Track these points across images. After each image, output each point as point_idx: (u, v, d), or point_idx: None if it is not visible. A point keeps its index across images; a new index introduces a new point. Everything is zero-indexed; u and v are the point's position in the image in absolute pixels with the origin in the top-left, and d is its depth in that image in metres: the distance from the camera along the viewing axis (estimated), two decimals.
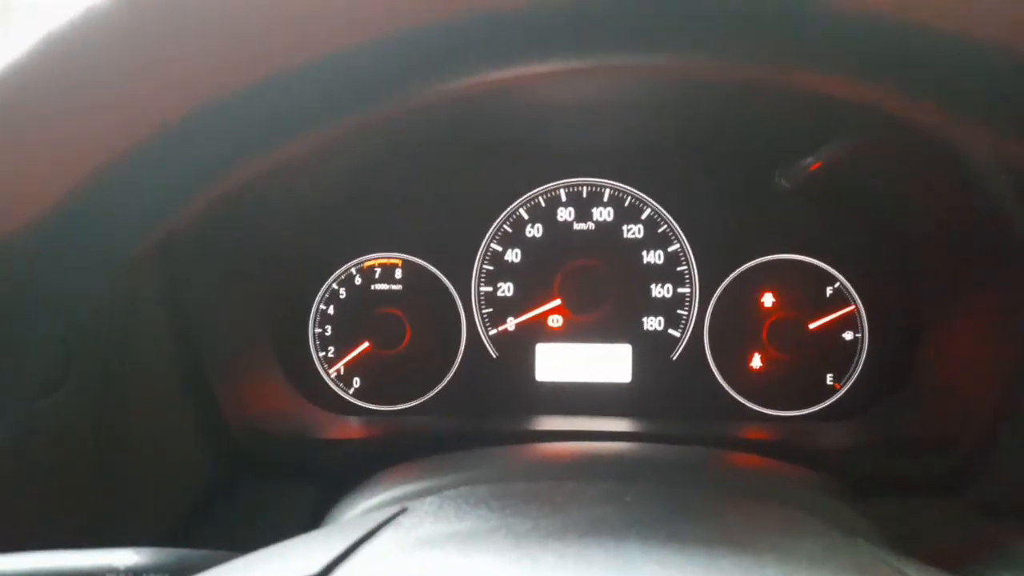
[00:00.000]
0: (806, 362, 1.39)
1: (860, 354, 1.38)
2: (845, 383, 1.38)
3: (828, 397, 1.39)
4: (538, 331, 1.43)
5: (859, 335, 1.38)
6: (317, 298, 1.45)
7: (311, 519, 1.12)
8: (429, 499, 0.66)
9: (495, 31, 0.43)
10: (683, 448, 1.04)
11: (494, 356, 1.44)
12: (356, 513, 0.82)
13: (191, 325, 1.15)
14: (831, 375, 1.39)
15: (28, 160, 0.43)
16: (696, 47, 0.43)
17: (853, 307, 1.38)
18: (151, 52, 0.41)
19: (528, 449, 1.01)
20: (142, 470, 1.07)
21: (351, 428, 1.33)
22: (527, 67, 0.44)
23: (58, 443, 0.95)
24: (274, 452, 1.22)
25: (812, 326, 1.38)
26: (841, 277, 1.39)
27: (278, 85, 0.42)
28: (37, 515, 0.93)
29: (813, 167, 1.20)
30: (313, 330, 1.45)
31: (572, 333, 1.43)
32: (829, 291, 1.39)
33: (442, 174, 1.44)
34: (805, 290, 1.39)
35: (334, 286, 1.45)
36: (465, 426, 1.34)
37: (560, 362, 1.43)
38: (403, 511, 0.62)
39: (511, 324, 1.43)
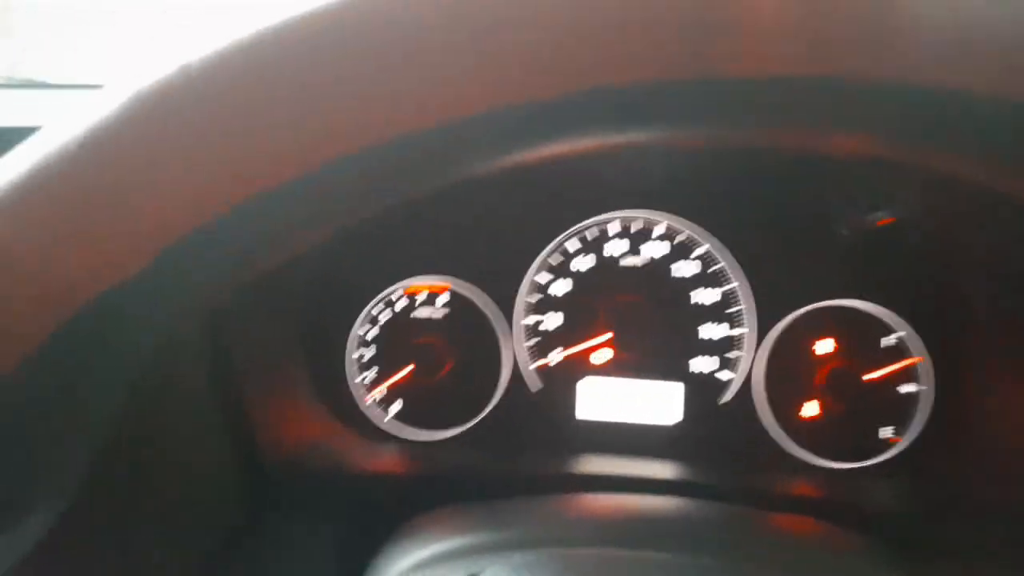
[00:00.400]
0: (862, 414, 1.32)
1: (920, 408, 1.31)
2: (902, 437, 1.31)
3: (884, 451, 1.32)
4: (582, 366, 1.39)
5: (920, 388, 1.31)
6: (358, 321, 1.42)
7: (343, 558, 1.09)
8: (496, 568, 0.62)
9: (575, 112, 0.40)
10: (733, 509, 0.99)
11: (535, 390, 1.39)
12: (409, 566, 0.78)
13: (229, 353, 1.13)
14: (888, 428, 1.32)
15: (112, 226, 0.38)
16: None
17: (916, 358, 1.31)
18: (243, 119, 0.37)
19: (576, 503, 0.97)
20: (171, 507, 1.04)
21: (386, 459, 1.30)
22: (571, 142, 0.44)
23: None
24: (306, 484, 1.18)
25: (871, 376, 1.32)
26: (905, 326, 1.32)
27: (344, 167, 0.39)
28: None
29: (880, 222, 1.14)
30: (351, 355, 1.42)
31: (617, 370, 1.38)
32: (891, 340, 1.32)
33: (495, 203, 1.39)
34: (865, 338, 1.33)
35: (375, 311, 1.42)
36: (503, 464, 1.30)
37: (603, 399, 1.38)
38: None
39: (554, 358, 1.39)
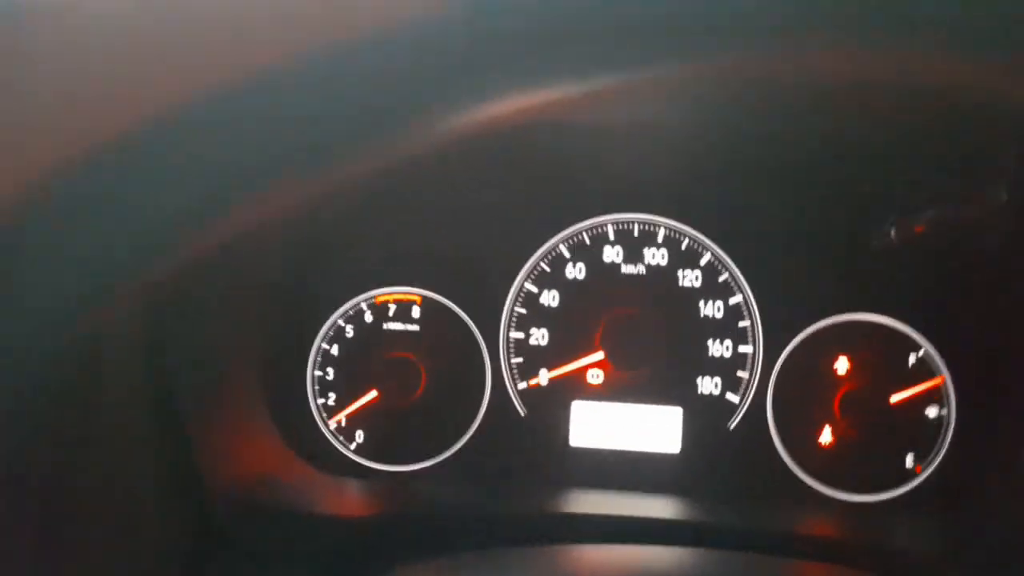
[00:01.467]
0: (883, 440, 1.20)
1: (946, 434, 1.19)
2: (927, 466, 1.19)
3: (907, 482, 1.20)
4: (575, 387, 1.24)
5: (945, 412, 1.20)
6: (319, 335, 1.25)
7: None
8: None
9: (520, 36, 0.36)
10: (744, 562, 0.85)
11: (522, 414, 1.24)
12: None
13: (166, 361, 0.94)
14: (911, 456, 1.20)
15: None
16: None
17: (940, 379, 1.20)
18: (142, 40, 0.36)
19: (574, 560, 0.82)
20: (98, 548, 0.85)
21: (350, 497, 1.13)
22: (558, 85, 0.40)
23: None
24: (258, 528, 1.00)
25: (892, 399, 1.20)
26: (928, 344, 1.20)
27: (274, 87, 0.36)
28: None
29: (919, 228, 1.02)
30: (312, 372, 1.24)
31: (614, 392, 1.23)
32: (912, 359, 1.21)
33: (474, 201, 1.24)
34: (885, 357, 1.21)
35: (340, 322, 1.25)
36: (485, 503, 1.14)
37: (599, 425, 1.23)
38: None
39: (544, 378, 1.24)
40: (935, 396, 1.20)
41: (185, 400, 0.95)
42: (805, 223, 1.22)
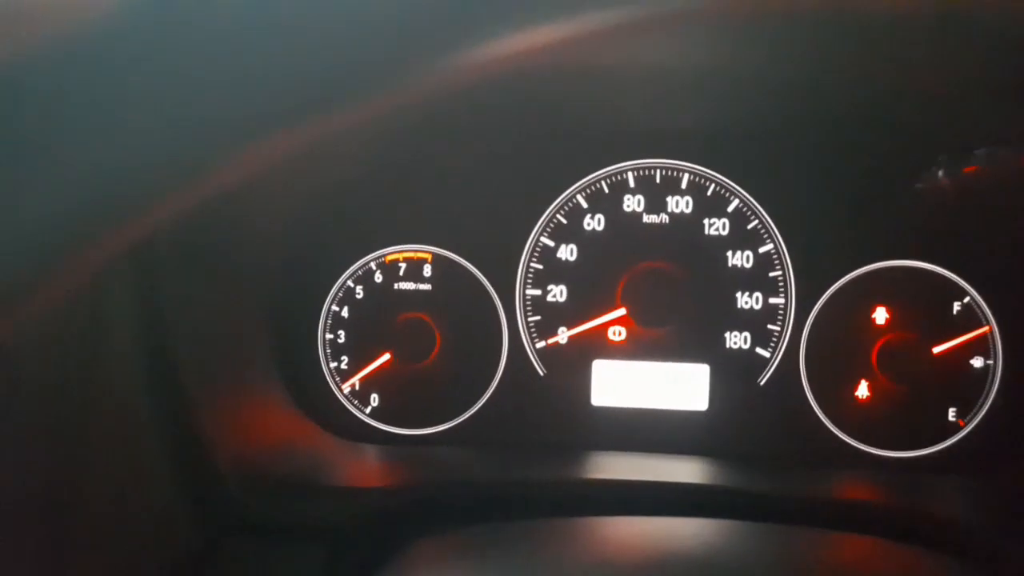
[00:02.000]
0: (924, 393, 1.13)
1: (991, 385, 1.12)
2: (971, 420, 1.13)
3: (950, 436, 1.14)
4: (596, 346, 1.18)
5: (991, 362, 1.12)
6: (328, 297, 1.20)
7: None
8: None
9: None
10: (781, 535, 0.80)
11: (541, 374, 1.19)
12: None
13: (169, 333, 0.90)
14: (954, 410, 1.14)
15: None
16: None
17: (987, 328, 1.12)
18: None
19: (600, 534, 0.77)
20: (104, 531, 0.82)
21: (367, 464, 1.09)
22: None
23: None
24: (272, 500, 0.97)
25: (935, 350, 1.12)
26: (973, 291, 1.12)
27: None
28: None
29: (969, 169, 0.93)
30: (323, 336, 1.20)
31: (637, 350, 1.17)
32: (956, 308, 1.13)
33: (484, 151, 1.17)
34: (927, 306, 1.13)
35: (350, 283, 1.20)
36: (505, 467, 1.10)
37: (622, 384, 1.17)
38: None
39: (563, 336, 1.18)
40: (980, 347, 1.12)
41: (188, 369, 0.91)
42: (842, 165, 1.13)
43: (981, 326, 1.12)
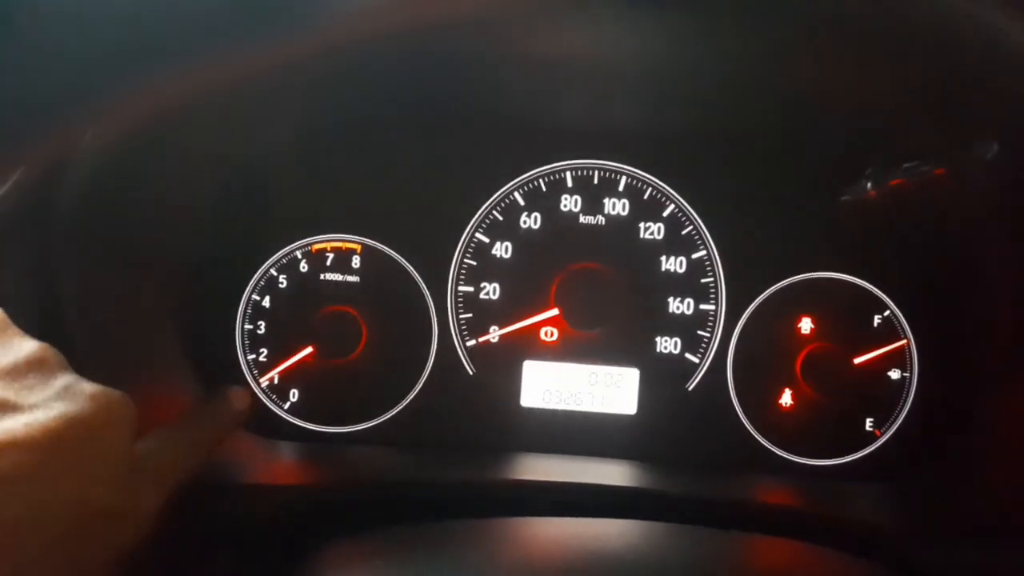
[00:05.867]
0: (844, 403, 1.16)
1: (907, 397, 1.16)
2: (887, 430, 1.16)
3: (867, 445, 1.16)
4: (527, 346, 1.16)
5: (907, 374, 1.16)
6: (250, 286, 1.14)
7: None
8: None
9: None
10: (704, 538, 0.80)
11: (471, 373, 1.16)
12: None
13: (66, 320, 0.82)
14: (871, 420, 1.16)
15: None
16: None
17: (904, 341, 1.16)
18: None
19: (521, 535, 0.75)
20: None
21: (282, 463, 1.03)
22: None
23: None
24: (177, 501, 0.90)
25: (855, 361, 1.15)
26: (892, 304, 1.16)
27: None
28: None
29: (895, 181, 0.96)
30: (242, 326, 1.14)
31: (568, 351, 1.16)
32: (877, 320, 1.16)
33: (421, 142, 1.14)
34: (849, 317, 1.16)
35: (272, 271, 1.14)
36: (430, 468, 1.06)
37: (552, 385, 1.16)
38: None
39: (494, 335, 1.15)
40: (898, 359, 1.16)
41: (85, 355, 0.84)
42: (775, 175, 1.15)
43: (899, 339, 1.15)
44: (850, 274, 1.16)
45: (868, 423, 1.16)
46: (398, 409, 1.15)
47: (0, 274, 0.76)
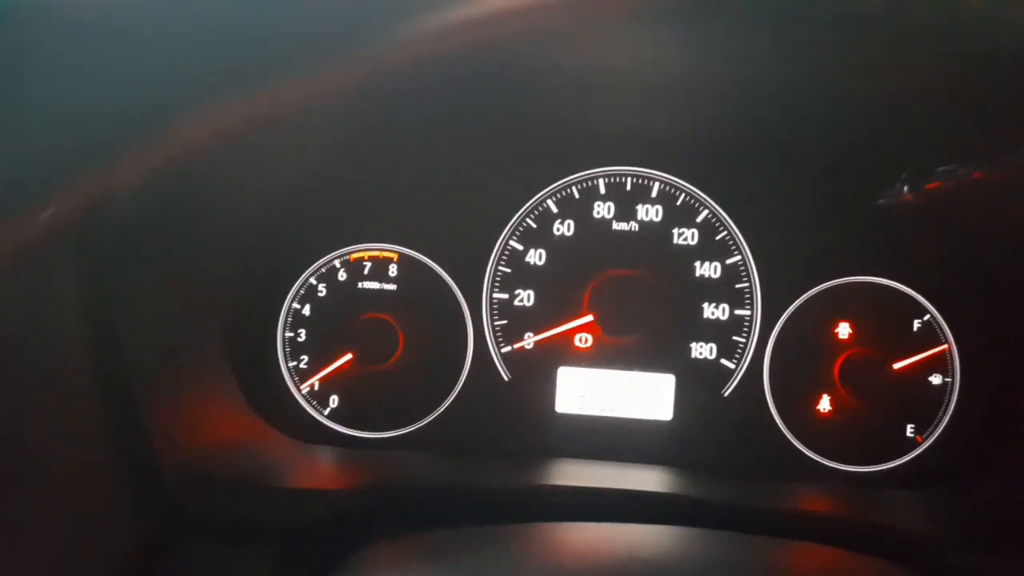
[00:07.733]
0: (884, 409, 1.14)
1: (949, 402, 1.14)
2: (929, 436, 1.14)
3: (908, 452, 1.14)
4: (561, 352, 1.17)
5: (948, 380, 1.14)
6: (290, 295, 1.17)
7: None
8: None
9: None
10: (741, 544, 0.79)
11: (506, 379, 1.17)
12: None
13: (116, 328, 0.86)
14: (912, 426, 1.15)
15: None
16: None
17: (945, 346, 1.14)
18: None
19: (548, 539, 0.76)
20: (43, 533, 0.78)
21: (322, 467, 1.06)
22: None
23: None
24: (222, 503, 0.93)
25: (895, 366, 1.14)
26: (932, 309, 1.14)
27: None
28: None
29: (932, 185, 0.95)
30: (283, 334, 1.17)
31: (603, 357, 1.17)
32: (917, 325, 1.14)
33: (454, 153, 1.16)
34: (888, 322, 1.15)
35: (312, 280, 1.17)
36: (465, 474, 1.07)
37: (586, 391, 1.16)
38: None
39: (529, 341, 1.17)
40: (939, 364, 1.14)
41: (136, 366, 0.87)
42: (809, 179, 1.15)
43: (940, 343, 1.14)
44: (888, 278, 1.14)
45: (909, 429, 1.14)
46: (435, 415, 1.16)
47: (60, 289, 0.79)
